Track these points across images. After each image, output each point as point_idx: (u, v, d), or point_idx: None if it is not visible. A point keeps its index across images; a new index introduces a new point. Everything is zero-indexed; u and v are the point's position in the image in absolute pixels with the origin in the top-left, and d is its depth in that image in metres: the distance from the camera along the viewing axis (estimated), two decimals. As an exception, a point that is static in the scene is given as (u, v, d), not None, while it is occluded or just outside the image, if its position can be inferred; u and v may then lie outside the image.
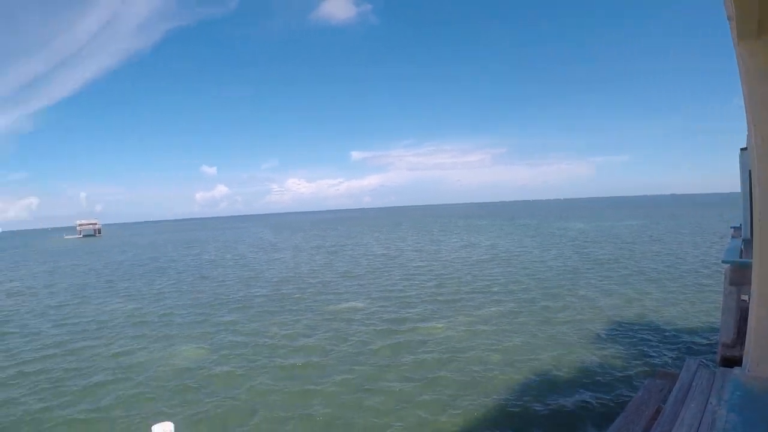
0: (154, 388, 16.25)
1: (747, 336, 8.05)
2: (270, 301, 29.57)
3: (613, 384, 14.06)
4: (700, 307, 22.28)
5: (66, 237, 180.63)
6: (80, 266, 62.29)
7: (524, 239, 62.84)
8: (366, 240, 79.18)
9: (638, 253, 41.43)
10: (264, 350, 19.46)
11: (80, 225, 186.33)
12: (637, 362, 15.63)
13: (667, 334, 18.45)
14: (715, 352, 11.74)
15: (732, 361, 9.40)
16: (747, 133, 8.71)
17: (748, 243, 12.73)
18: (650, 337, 18.12)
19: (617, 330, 19.33)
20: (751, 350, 7.78)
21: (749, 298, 8.74)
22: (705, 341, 17.35)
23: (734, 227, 18.78)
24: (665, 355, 16.27)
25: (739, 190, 14.95)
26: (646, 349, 16.87)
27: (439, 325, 21.48)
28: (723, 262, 11.11)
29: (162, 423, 7.28)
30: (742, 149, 14.20)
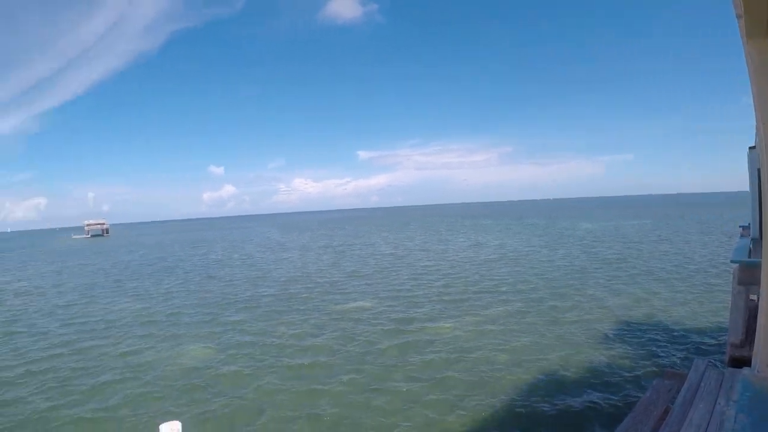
0: (162, 387, 16.30)
1: (756, 336, 8.01)
2: (277, 300, 29.61)
3: (621, 384, 14.01)
4: (709, 306, 22.18)
5: (74, 237, 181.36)
6: (88, 266, 62.54)
7: (532, 239, 62.75)
8: (373, 239, 79.22)
9: (646, 253, 41.28)
10: (272, 350, 19.48)
11: (88, 225, 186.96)
12: (646, 362, 15.57)
13: (675, 333, 18.38)
14: (723, 353, 11.68)
15: (741, 362, 9.36)
16: (755, 131, 8.67)
17: (756, 242, 12.67)
18: (659, 337, 18.05)
19: (625, 330, 19.27)
20: (760, 350, 7.74)
21: (758, 298, 8.70)
22: (714, 341, 17.26)
23: (743, 226, 18.69)
24: (674, 355, 16.21)
25: (747, 189, 14.85)
26: (654, 349, 16.81)
27: (447, 325, 21.45)
28: (731, 261, 11.05)
29: (170, 422, 7.30)
30: (750, 148, 14.12)
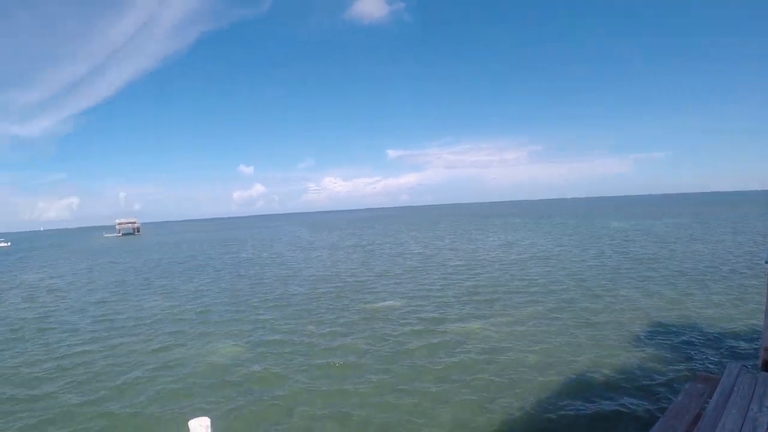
0: (191, 384, 16.56)
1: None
2: (307, 299, 29.79)
3: (653, 387, 13.88)
4: (744, 309, 21.83)
5: (106, 235, 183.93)
6: (119, 264, 63.48)
7: (562, 238, 62.28)
8: (403, 238, 79.20)
9: (679, 253, 40.69)
10: (301, 349, 19.63)
11: (119, 224, 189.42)
12: (679, 365, 15.41)
13: (709, 336, 18.15)
14: (758, 357, 11.56)
15: (776, 366, 9.29)
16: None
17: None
18: (692, 340, 17.84)
19: (658, 332, 19.07)
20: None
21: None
22: (748, 345, 17.01)
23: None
24: (707, 358, 16.02)
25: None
26: (687, 352, 16.62)
27: (477, 326, 21.41)
28: (766, 262, 10.93)
29: (199, 418, 7.43)
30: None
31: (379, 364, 17.29)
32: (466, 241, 65.77)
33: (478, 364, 16.64)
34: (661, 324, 20.12)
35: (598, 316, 21.89)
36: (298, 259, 54.95)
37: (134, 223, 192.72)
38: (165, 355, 20.12)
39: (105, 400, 15.62)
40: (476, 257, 46.47)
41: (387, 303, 27.18)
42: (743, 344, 17.13)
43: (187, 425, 7.36)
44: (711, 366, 15.10)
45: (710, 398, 8.75)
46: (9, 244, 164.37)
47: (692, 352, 16.57)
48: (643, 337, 18.58)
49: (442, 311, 24.47)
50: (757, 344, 16.65)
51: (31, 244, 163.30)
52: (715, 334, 18.32)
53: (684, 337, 18.15)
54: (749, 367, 10.91)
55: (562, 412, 12.64)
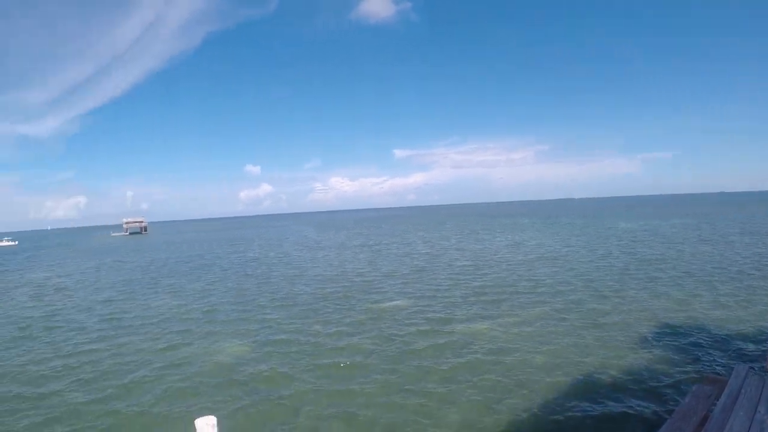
0: (198, 383, 16.61)
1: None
2: (314, 299, 29.84)
3: (660, 389, 13.85)
4: (752, 311, 21.75)
5: (113, 234, 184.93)
6: (126, 263, 63.72)
7: (570, 238, 62.10)
8: (410, 238, 79.17)
9: (687, 254, 40.52)
10: (307, 348, 19.67)
11: (127, 223, 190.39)
12: (686, 367, 15.37)
13: (717, 338, 18.07)
14: (766, 359, 11.54)
15: (783, 369, 9.28)
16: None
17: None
18: (700, 341, 17.77)
19: (666, 333, 19.01)
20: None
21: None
22: (756, 347, 16.94)
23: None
24: (715, 360, 15.96)
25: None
26: (695, 354, 16.56)
27: (484, 326, 21.40)
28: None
29: (205, 417, 7.48)
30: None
31: (385, 364, 17.30)
32: (473, 241, 65.69)
33: (485, 364, 16.64)
34: (669, 325, 20.06)
35: (606, 317, 21.84)
36: (305, 259, 55.02)
37: (141, 222, 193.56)
38: (172, 354, 20.20)
39: (112, 399, 15.69)
40: (483, 257, 46.43)
41: (394, 303, 27.18)
42: (751, 346, 17.07)
43: (194, 424, 7.41)
44: (718, 368, 15.05)
45: (717, 400, 8.74)
46: (16, 243, 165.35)
47: (700, 354, 16.52)
48: (650, 338, 18.54)
49: (449, 311, 24.47)
50: (765, 346, 16.66)
51: (39, 243, 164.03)
52: (723, 336, 18.26)
53: (692, 339, 18.10)
54: (757, 369, 10.89)
55: (570, 414, 12.62)
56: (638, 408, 12.73)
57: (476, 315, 23.52)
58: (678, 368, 15.33)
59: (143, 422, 13.92)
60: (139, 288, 39.42)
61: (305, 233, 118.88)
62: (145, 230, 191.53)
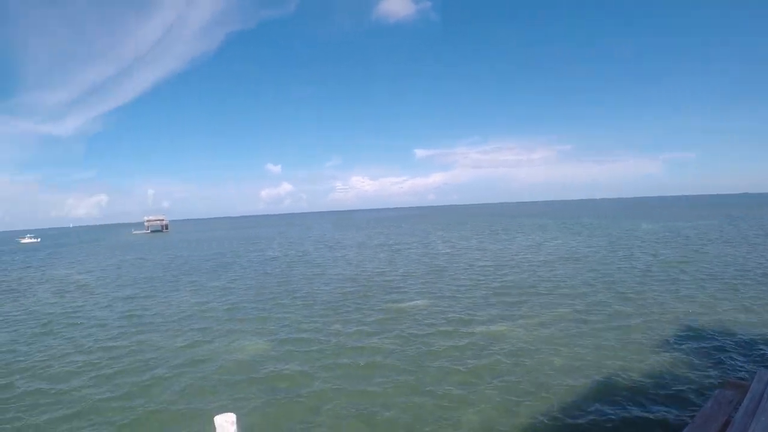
0: (217, 381, 16.73)
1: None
2: (334, 298, 29.91)
3: (682, 393, 13.72)
4: (778, 314, 21.51)
5: (134, 232, 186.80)
6: (147, 260, 64.35)
7: (591, 239, 61.62)
8: (430, 238, 79.02)
9: (711, 256, 40.00)
10: (327, 348, 19.69)
11: (148, 221, 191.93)
12: (710, 371, 15.19)
13: (740, 342, 17.84)
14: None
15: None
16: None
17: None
18: (723, 345, 17.56)
19: (689, 336, 18.80)
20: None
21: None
22: (781, 351, 16.76)
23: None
24: (738, 364, 15.75)
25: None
26: (718, 357, 16.37)
27: (504, 327, 21.30)
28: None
29: (224, 414, 7.47)
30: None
31: (405, 364, 17.28)
32: (494, 242, 65.40)
33: (505, 366, 16.56)
34: (691, 328, 19.85)
35: (627, 319, 21.64)
36: (325, 258, 55.15)
37: (162, 220, 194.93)
38: (192, 352, 20.34)
39: (131, 395, 15.83)
40: (503, 258, 46.22)
41: (414, 303, 27.14)
42: (776, 350, 16.86)
43: (213, 421, 7.40)
44: (741, 372, 14.87)
45: (739, 405, 8.62)
46: (39, 240, 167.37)
47: (722, 358, 16.32)
48: (672, 341, 18.35)
49: (469, 312, 24.37)
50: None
51: (61, 241, 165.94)
52: (747, 340, 18.03)
53: (715, 342, 17.88)
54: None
55: (589, 417, 12.54)
56: (659, 412, 12.62)
57: (497, 316, 23.42)
58: (700, 372, 15.17)
59: (162, 419, 14.04)
60: (160, 285, 39.76)
61: (325, 232, 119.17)
62: (167, 228, 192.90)
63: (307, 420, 13.29)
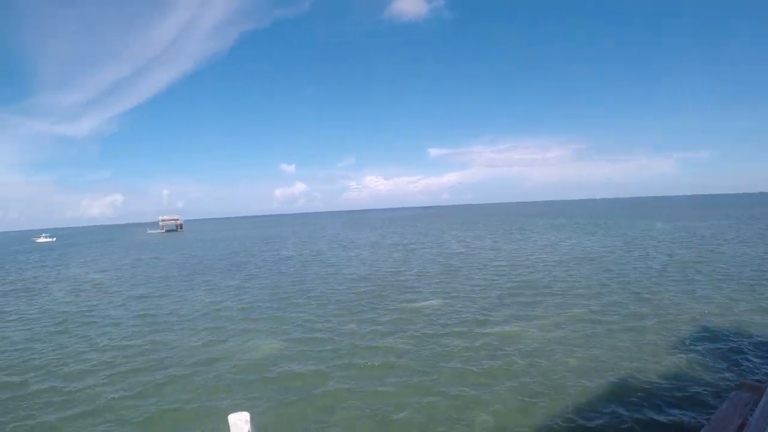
0: (231, 380, 16.82)
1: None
2: (348, 298, 29.94)
3: (698, 395, 13.63)
4: (796, 315, 21.30)
5: (149, 232, 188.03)
6: (162, 260, 64.79)
7: (605, 239, 61.28)
8: (444, 238, 78.95)
9: (727, 256, 39.63)
10: (341, 348, 19.72)
11: (162, 220, 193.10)
12: (726, 373, 15.07)
13: (757, 343, 17.67)
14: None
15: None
16: None
17: None
18: (740, 347, 17.41)
19: (705, 337, 18.66)
20: None
21: None
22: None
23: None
24: (755, 366, 15.63)
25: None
26: (734, 359, 16.24)
27: (519, 328, 21.23)
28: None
29: (238, 413, 7.50)
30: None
31: (419, 365, 17.27)
32: (508, 241, 65.22)
33: (519, 367, 16.52)
34: (708, 329, 19.70)
35: (643, 320, 21.51)
36: (339, 257, 55.25)
37: (177, 219, 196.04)
38: (206, 351, 20.45)
39: (145, 394, 15.96)
40: (518, 258, 46.09)
41: (428, 303, 27.12)
42: (794, 352, 16.72)
43: (227, 419, 7.43)
44: (758, 374, 14.76)
45: (755, 407, 8.56)
46: (54, 239, 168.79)
47: (739, 359, 16.20)
48: (688, 342, 18.22)
49: (484, 312, 24.32)
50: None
51: (76, 240, 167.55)
52: (764, 341, 17.88)
53: (731, 344, 17.74)
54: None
55: (604, 419, 12.49)
56: (674, 414, 12.56)
57: (511, 316, 23.35)
58: (716, 374, 15.07)
59: (177, 417, 14.14)
60: (174, 284, 39.99)
61: (339, 231, 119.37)
62: (181, 228, 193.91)
63: (320, 420, 13.32)
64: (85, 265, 63.75)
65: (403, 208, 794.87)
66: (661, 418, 12.38)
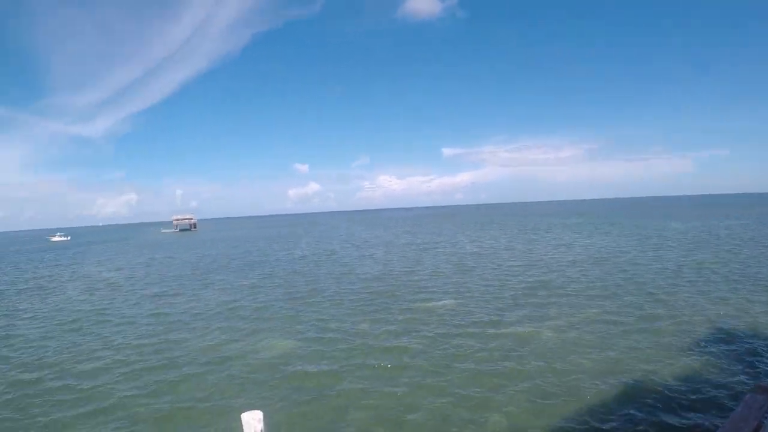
0: (244, 380, 16.90)
1: None
2: (361, 297, 29.93)
3: (713, 397, 13.53)
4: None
5: (163, 231, 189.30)
6: (176, 259, 65.10)
7: (620, 239, 60.88)
8: (458, 238, 78.79)
9: (744, 257, 39.20)
10: (354, 348, 19.73)
11: (176, 220, 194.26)
12: (741, 375, 14.92)
13: (775, 345, 17.55)
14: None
15: None
16: None
17: None
18: (756, 349, 17.23)
19: (721, 339, 18.49)
20: None
21: None
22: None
23: None
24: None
25: None
26: (750, 361, 16.08)
27: (533, 329, 21.11)
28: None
29: (251, 411, 7.49)
30: None
31: (433, 366, 17.23)
32: (522, 242, 64.92)
33: (533, 368, 16.44)
34: (724, 331, 19.52)
35: (658, 322, 21.34)
36: (352, 257, 55.28)
37: (191, 219, 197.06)
38: (219, 350, 20.55)
39: (159, 392, 16.06)
40: (532, 258, 45.90)
41: (441, 303, 27.06)
42: (811, 354, 16.53)
43: (240, 418, 7.43)
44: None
45: (772, 410, 8.45)
46: (69, 238, 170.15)
47: (755, 362, 16.05)
48: (704, 344, 18.06)
49: (497, 313, 24.23)
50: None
51: (90, 239, 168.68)
52: (783, 343, 17.70)
53: (747, 346, 17.58)
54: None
55: (619, 422, 12.42)
56: (689, 417, 12.47)
57: (525, 317, 23.25)
58: (732, 376, 14.93)
59: (190, 415, 14.23)
60: (188, 283, 40.18)
61: (353, 231, 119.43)
62: (195, 227, 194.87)
63: (333, 420, 13.34)
64: (100, 264, 64.18)
65: (417, 208, 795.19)
66: (676, 420, 12.29)
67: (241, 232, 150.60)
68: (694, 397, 13.57)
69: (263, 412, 7.53)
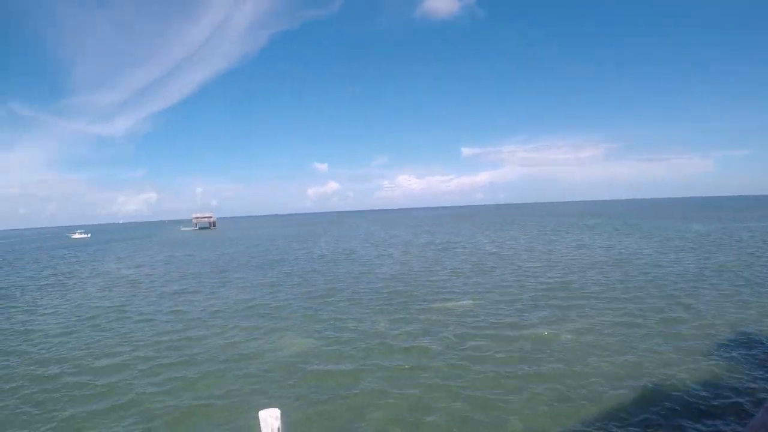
0: (262, 378, 17.00)
1: None
2: (380, 297, 29.93)
3: (734, 402, 13.37)
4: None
5: (183, 229, 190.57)
6: (195, 257, 65.54)
7: (641, 240, 60.30)
8: (477, 238, 78.58)
9: (766, 260, 38.81)
10: (373, 348, 19.76)
11: (196, 218, 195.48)
12: (764, 381, 14.69)
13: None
14: None
15: None
16: None
17: None
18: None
19: (743, 343, 18.26)
20: None
21: None
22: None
23: None
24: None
25: None
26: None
27: (552, 331, 20.98)
28: None
29: (269, 409, 7.51)
30: None
31: (451, 368, 17.18)
32: (542, 242, 64.56)
33: (552, 372, 16.34)
34: (746, 335, 19.28)
35: (679, 325, 21.14)
36: (371, 256, 55.34)
37: (210, 217, 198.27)
38: (237, 348, 20.67)
39: (177, 390, 16.20)
40: (552, 259, 45.64)
41: (461, 303, 26.98)
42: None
43: (258, 416, 7.45)
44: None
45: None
46: (89, 235, 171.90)
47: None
48: (726, 348, 17.84)
49: (516, 315, 24.12)
50: None
51: (110, 236, 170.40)
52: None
53: (772, 351, 17.35)
54: None
55: (638, 427, 12.32)
56: (709, 422, 12.35)
57: (544, 319, 23.12)
58: (753, 382, 14.73)
59: (208, 412, 14.35)
60: (207, 281, 40.43)
61: (372, 230, 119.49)
62: (214, 225, 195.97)
63: (350, 420, 13.38)
64: (119, 261, 64.78)
65: (436, 207, 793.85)
66: (695, 425, 12.17)
67: (261, 231, 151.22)
68: (714, 402, 13.42)
69: (281, 410, 7.54)
